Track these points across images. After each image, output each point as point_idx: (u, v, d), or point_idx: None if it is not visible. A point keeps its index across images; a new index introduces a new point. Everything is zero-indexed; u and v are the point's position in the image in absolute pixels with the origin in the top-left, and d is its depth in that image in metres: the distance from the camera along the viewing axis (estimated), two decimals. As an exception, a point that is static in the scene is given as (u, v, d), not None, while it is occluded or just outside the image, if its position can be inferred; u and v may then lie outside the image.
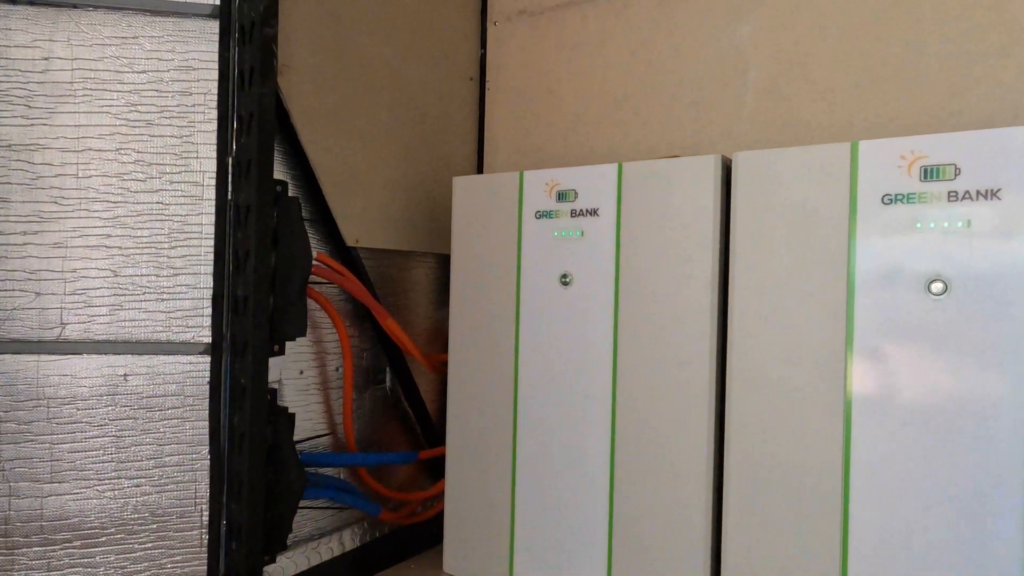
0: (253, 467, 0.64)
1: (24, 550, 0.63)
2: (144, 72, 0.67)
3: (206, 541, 0.66)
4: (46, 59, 0.65)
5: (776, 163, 0.61)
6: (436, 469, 0.97)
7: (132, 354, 0.65)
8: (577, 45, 0.99)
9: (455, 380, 0.81)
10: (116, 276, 0.65)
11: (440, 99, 1.01)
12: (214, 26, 0.67)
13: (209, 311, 0.66)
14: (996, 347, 0.50)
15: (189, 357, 0.66)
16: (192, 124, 0.67)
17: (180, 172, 0.66)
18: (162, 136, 0.66)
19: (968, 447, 0.51)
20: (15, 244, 0.64)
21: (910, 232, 0.53)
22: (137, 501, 0.65)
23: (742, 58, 0.86)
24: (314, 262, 0.73)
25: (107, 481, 0.65)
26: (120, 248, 0.65)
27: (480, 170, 1.07)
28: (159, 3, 0.67)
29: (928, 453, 0.53)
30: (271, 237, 0.67)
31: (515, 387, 0.76)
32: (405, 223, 0.94)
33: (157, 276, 0.66)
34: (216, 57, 0.67)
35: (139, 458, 0.65)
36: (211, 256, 0.66)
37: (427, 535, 0.93)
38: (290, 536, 0.72)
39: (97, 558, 0.64)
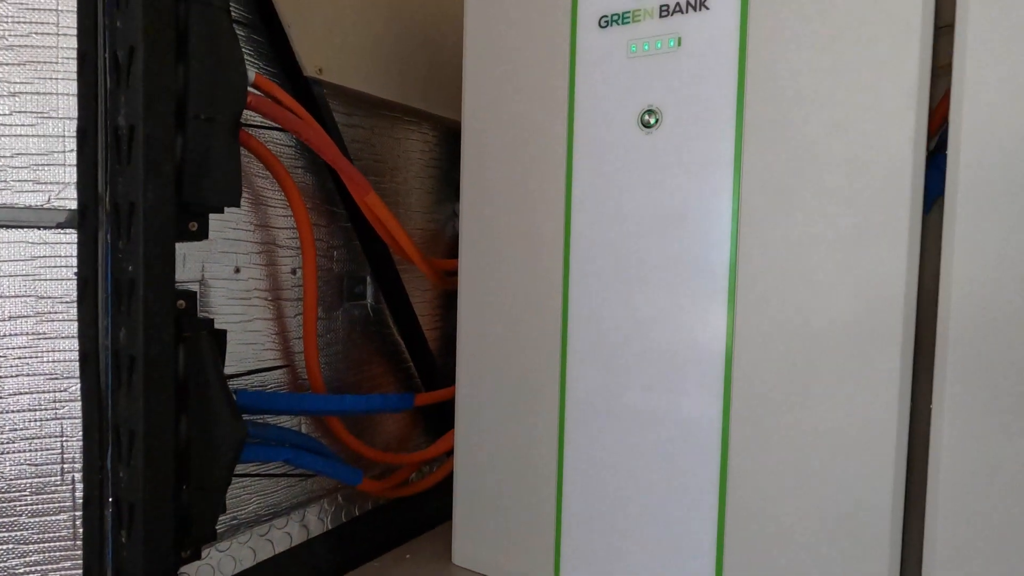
0: (153, 411, 0.46)
1: None
2: None
3: (80, 530, 0.48)
4: None
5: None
6: (438, 420, 0.82)
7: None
8: None
9: (469, 292, 0.62)
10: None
11: None
12: None
13: (73, 156, 0.47)
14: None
15: (41, 232, 0.47)
16: None
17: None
18: None
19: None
20: None
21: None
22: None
23: None
24: (250, 88, 0.54)
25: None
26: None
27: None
28: None
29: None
30: (174, 30, 0.47)
31: (564, 300, 0.55)
32: (394, 58, 0.71)
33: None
34: None
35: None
36: (73, 59, 0.47)
37: (426, 513, 0.77)
38: (225, 519, 0.59)
39: None
